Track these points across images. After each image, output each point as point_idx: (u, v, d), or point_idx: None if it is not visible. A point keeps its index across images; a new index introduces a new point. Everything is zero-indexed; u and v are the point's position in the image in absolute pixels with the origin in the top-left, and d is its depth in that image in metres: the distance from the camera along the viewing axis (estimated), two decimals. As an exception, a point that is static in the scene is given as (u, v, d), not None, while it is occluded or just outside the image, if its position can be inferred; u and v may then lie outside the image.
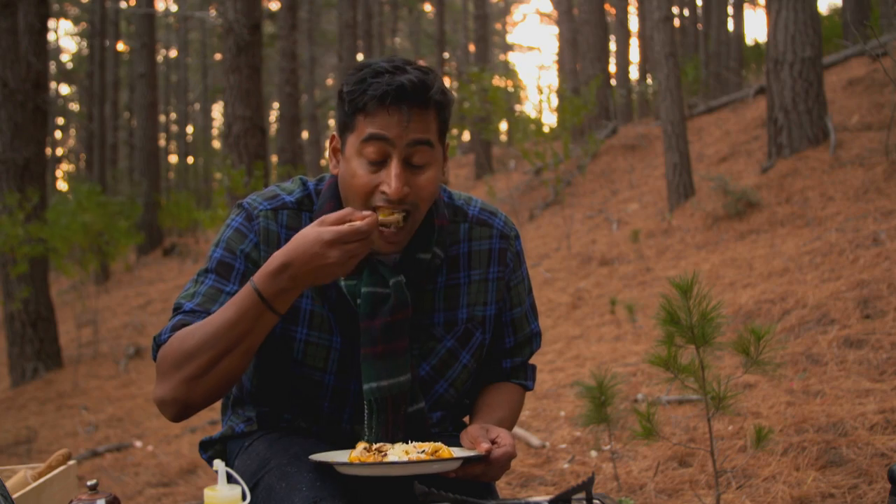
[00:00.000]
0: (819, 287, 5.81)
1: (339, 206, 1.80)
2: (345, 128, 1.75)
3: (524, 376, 2.06)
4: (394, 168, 1.68)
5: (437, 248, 1.85)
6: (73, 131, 43.16)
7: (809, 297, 5.64)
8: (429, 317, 1.87)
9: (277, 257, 1.57)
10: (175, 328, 1.70)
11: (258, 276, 1.58)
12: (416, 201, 1.73)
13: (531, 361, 2.11)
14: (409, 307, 1.79)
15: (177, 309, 1.76)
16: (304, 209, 1.85)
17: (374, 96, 1.66)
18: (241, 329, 1.60)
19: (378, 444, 1.67)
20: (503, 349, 2.01)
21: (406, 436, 1.81)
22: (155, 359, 1.73)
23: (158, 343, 1.72)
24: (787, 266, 6.70)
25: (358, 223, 1.55)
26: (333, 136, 1.82)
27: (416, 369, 1.85)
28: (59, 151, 41.20)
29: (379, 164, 1.70)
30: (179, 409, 1.67)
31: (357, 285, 1.78)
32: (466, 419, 2.05)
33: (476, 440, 1.66)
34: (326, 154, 1.91)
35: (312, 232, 1.55)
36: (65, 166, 42.72)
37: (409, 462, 1.56)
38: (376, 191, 1.70)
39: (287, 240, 1.74)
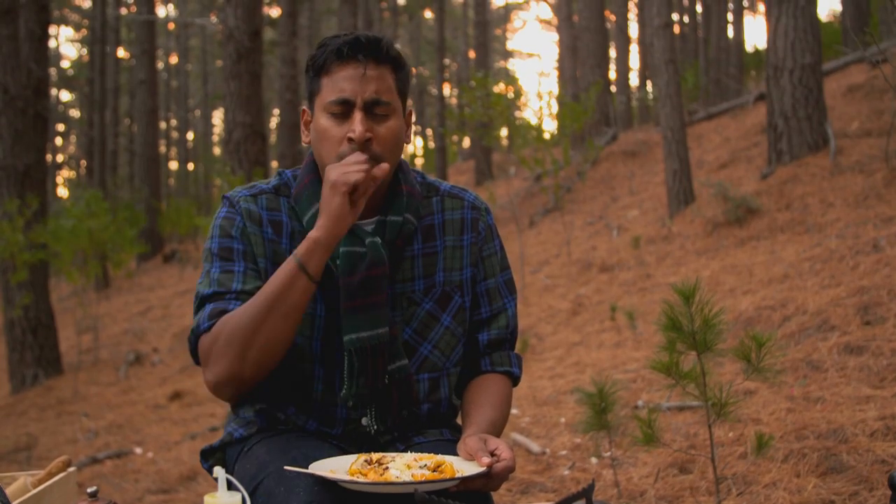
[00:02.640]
0: (819, 293, 5.81)
1: (317, 178, 1.96)
2: (311, 95, 1.92)
3: (508, 362, 2.10)
4: (356, 116, 1.85)
5: (409, 215, 1.97)
6: (73, 138, 43.19)
7: (810, 303, 5.64)
8: (409, 284, 1.99)
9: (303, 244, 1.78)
10: (213, 316, 1.85)
11: (297, 249, 1.78)
12: (381, 150, 1.87)
13: (516, 352, 2.16)
14: (386, 264, 1.90)
15: (200, 300, 1.92)
16: (282, 194, 2.01)
17: (331, 51, 1.86)
18: (283, 298, 1.77)
19: (378, 456, 1.70)
20: (480, 320, 2.08)
21: (394, 391, 1.92)
22: (193, 352, 1.90)
23: (199, 333, 1.87)
24: (788, 272, 6.70)
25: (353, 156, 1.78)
26: (304, 110, 1.99)
27: (399, 332, 1.95)
28: (60, 158, 41.22)
29: (343, 116, 1.87)
30: (236, 386, 1.85)
31: (336, 248, 1.88)
32: (459, 420, 2.09)
33: (476, 454, 1.69)
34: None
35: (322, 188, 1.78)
36: (65, 173, 42.72)
37: (412, 482, 1.58)
38: (343, 141, 1.86)
39: (269, 221, 1.95)
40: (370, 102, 1.85)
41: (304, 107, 1.99)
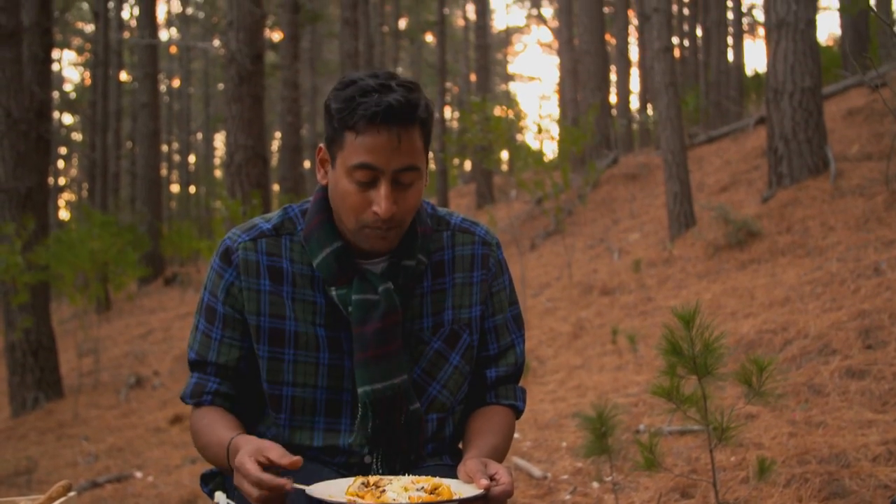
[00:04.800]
0: (820, 317, 5.80)
1: (328, 220, 1.90)
2: (333, 142, 1.82)
3: (513, 396, 2.09)
4: (383, 190, 1.76)
5: (421, 255, 1.93)
6: (75, 160, 43.27)
7: (811, 326, 5.63)
8: (417, 322, 1.95)
9: (237, 446, 1.72)
10: (195, 394, 1.96)
11: (231, 446, 1.75)
12: (403, 217, 1.82)
13: (521, 385, 2.15)
14: (399, 312, 1.87)
15: (189, 363, 2.02)
16: (285, 233, 1.95)
17: (363, 116, 1.73)
18: (220, 461, 1.84)
19: (375, 479, 1.69)
20: (487, 357, 2.06)
21: (404, 436, 1.91)
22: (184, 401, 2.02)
23: (185, 401, 2.00)
24: (789, 296, 6.69)
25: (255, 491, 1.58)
26: (321, 148, 1.91)
27: (409, 373, 1.91)
28: (62, 181, 41.30)
29: (368, 183, 1.76)
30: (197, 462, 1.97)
31: (348, 294, 1.86)
32: (460, 445, 2.08)
33: (475, 476, 1.67)
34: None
35: (243, 453, 1.63)
36: (67, 195, 42.79)
37: None
38: (367, 210, 1.79)
39: (268, 266, 1.90)
40: (398, 171, 1.77)
41: (322, 145, 1.90)
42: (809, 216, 8.49)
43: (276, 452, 1.60)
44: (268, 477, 1.56)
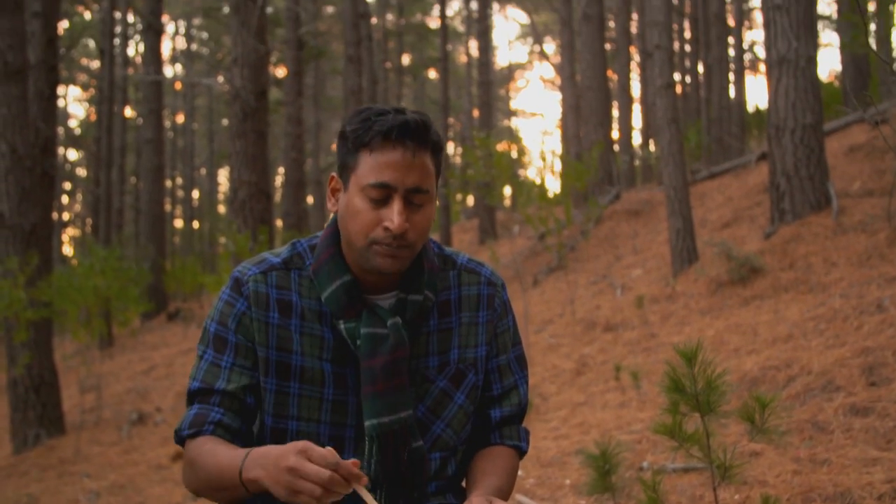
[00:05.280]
0: (824, 354, 5.79)
1: (338, 254, 1.92)
2: (346, 166, 1.85)
3: (517, 437, 2.11)
4: (396, 205, 1.79)
5: (429, 292, 1.95)
6: (79, 196, 43.43)
7: (814, 363, 5.62)
8: (423, 360, 1.96)
9: (258, 453, 1.67)
10: (194, 424, 1.88)
11: (248, 458, 1.69)
12: (415, 239, 1.83)
13: (524, 425, 2.16)
14: (407, 346, 1.88)
15: (189, 394, 1.93)
16: (293, 267, 1.96)
17: (379, 132, 1.78)
18: (222, 489, 1.77)
19: None
20: (491, 397, 2.07)
21: (407, 473, 1.91)
22: (177, 443, 1.94)
23: (181, 436, 1.90)
24: (792, 332, 6.68)
25: (325, 472, 1.54)
26: (333, 177, 1.93)
27: (413, 411, 1.92)
28: (66, 216, 41.40)
29: (381, 201, 1.81)
30: (199, 499, 1.87)
31: (356, 327, 1.88)
32: (464, 484, 2.08)
33: None
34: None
35: (286, 448, 1.61)
36: (71, 231, 42.90)
37: None
38: (377, 227, 1.81)
39: (277, 300, 1.91)
40: (411, 190, 1.81)
41: (334, 174, 1.93)
42: (812, 252, 8.50)
43: (331, 452, 1.58)
44: (344, 462, 1.56)
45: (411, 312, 1.92)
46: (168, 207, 32.81)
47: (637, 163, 25.62)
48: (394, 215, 1.78)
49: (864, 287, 7.07)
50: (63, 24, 25.80)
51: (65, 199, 41.01)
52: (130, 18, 28.38)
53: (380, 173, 1.79)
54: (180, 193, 41.31)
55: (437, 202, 2.01)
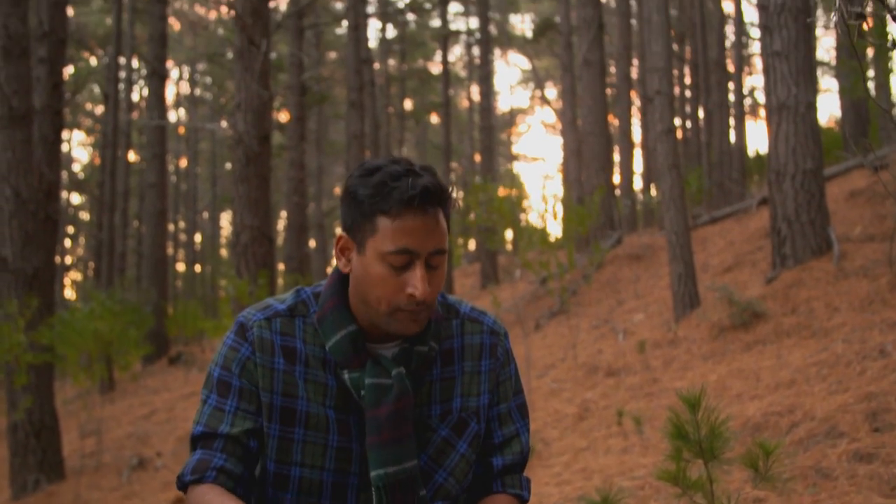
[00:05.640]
0: (827, 399, 5.77)
1: (343, 304, 1.92)
2: (360, 229, 1.83)
3: (518, 485, 2.10)
4: (419, 272, 1.80)
5: (433, 342, 1.95)
6: (82, 240, 43.53)
7: (817, 409, 5.60)
8: (425, 409, 1.96)
9: None
10: (197, 470, 1.86)
11: None
12: (433, 300, 1.85)
13: (525, 473, 2.15)
14: (411, 396, 1.88)
15: (192, 439, 1.92)
16: (298, 314, 1.96)
17: (399, 200, 1.77)
18: None
19: None
20: (493, 445, 2.07)
21: None
22: (179, 489, 1.91)
23: (183, 481, 1.88)
24: (795, 377, 6.67)
25: None
26: (341, 237, 1.92)
27: (417, 459, 1.91)
28: (68, 260, 41.47)
29: (402, 268, 1.80)
30: None
31: (360, 377, 1.88)
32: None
33: None
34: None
35: None
36: (73, 275, 42.93)
37: None
38: (401, 293, 1.81)
39: (282, 346, 1.91)
40: (432, 253, 1.82)
41: (343, 234, 1.91)
42: (814, 297, 8.49)
43: None
44: None
45: (416, 362, 1.92)
46: (170, 251, 32.88)
47: (639, 207, 25.68)
48: (417, 282, 1.79)
49: (867, 332, 7.06)
50: (68, 70, 26.02)
51: (67, 242, 41.08)
52: (135, 64, 28.61)
53: (403, 240, 1.78)
54: (183, 237, 41.40)
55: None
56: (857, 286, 8.34)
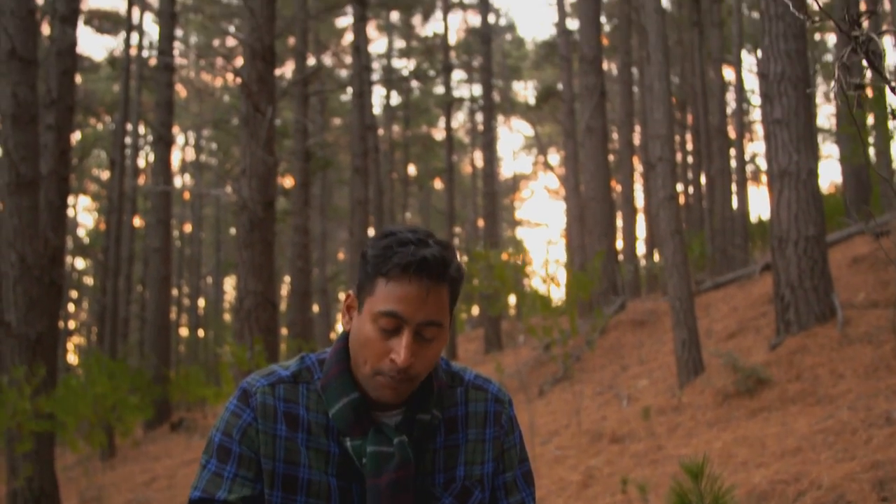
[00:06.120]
0: (833, 467, 5.73)
1: (347, 370, 1.92)
2: (363, 288, 1.87)
3: None
4: (405, 339, 1.79)
5: (436, 410, 1.95)
6: (85, 304, 43.56)
7: (824, 477, 5.56)
8: (429, 477, 1.95)
9: None
10: None
11: None
12: (419, 371, 1.84)
13: None
14: (412, 464, 1.87)
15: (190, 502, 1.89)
16: (302, 381, 1.96)
17: (398, 264, 1.79)
18: None
19: None
20: None
21: None
22: None
23: None
24: (801, 445, 6.62)
25: None
26: (349, 294, 1.95)
27: None
28: (72, 324, 41.46)
29: (392, 331, 1.81)
30: None
31: (362, 445, 1.87)
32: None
33: None
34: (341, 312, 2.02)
35: None
36: (76, 339, 42.89)
37: None
38: (385, 357, 1.81)
39: (285, 412, 1.90)
40: (422, 324, 1.82)
41: (351, 291, 1.96)
42: (819, 364, 8.47)
43: None
44: None
45: (418, 431, 1.92)
46: (173, 316, 32.86)
47: (642, 272, 25.70)
48: (401, 349, 1.79)
49: (872, 399, 7.02)
50: (75, 136, 26.29)
51: (71, 307, 41.11)
52: (141, 130, 28.92)
53: (393, 304, 1.80)
54: (186, 302, 41.42)
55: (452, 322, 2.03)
56: (861, 353, 8.31)
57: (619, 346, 15.14)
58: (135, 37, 25.41)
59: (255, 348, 10.06)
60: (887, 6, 20.54)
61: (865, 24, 2.09)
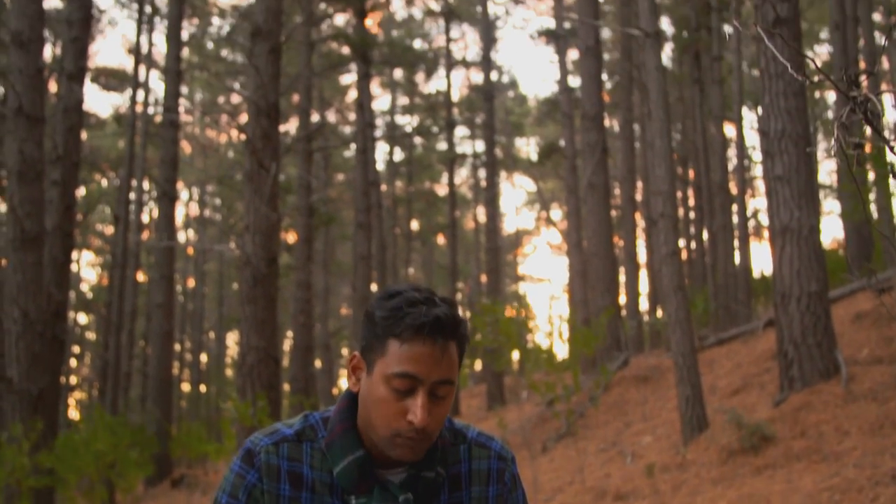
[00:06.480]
0: (839, 526, 5.68)
1: (352, 428, 1.92)
2: (372, 349, 1.86)
3: None
4: (420, 399, 1.80)
5: (440, 467, 1.96)
6: (87, 359, 43.46)
7: (830, 536, 5.51)
8: None
9: None
10: None
11: None
12: (434, 429, 1.85)
13: None
14: None
15: None
16: (306, 439, 1.96)
17: (411, 325, 1.80)
18: None
19: None
20: None
21: None
22: None
23: None
24: (806, 503, 6.57)
25: None
26: (355, 355, 1.95)
27: None
28: (73, 380, 41.32)
29: (406, 392, 1.82)
30: None
31: (368, 503, 1.88)
32: None
33: None
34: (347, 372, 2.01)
35: None
36: (77, 394, 42.71)
37: None
38: (401, 418, 1.82)
39: (289, 471, 1.90)
40: (436, 383, 1.83)
41: (357, 353, 1.96)
42: (823, 421, 8.42)
43: None
44: None
45: (423, 488, 1.93)
46: (176, 371, 32.78)
47: (645, 328, 25.66)
48: (418, 409, 1.80)
49: (878, 457, 6.98)
50: (80, 192, 26.43)
51: (73, 362, 41.02)
52: (146, 185, 29.08)
53: (408, 365, 1.81)
54: (188, 357, 41.33)
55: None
56: (866, 410, 8.27)
57: (623, 403, 15.07)
58: (141, 94, 25.75)
59: (258, 404, 10.03)
60: (886, 65, 20.76)
61: (864, 83, 2.12)
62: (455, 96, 32.21)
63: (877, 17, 23.39)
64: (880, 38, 19.90)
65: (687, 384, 10.46)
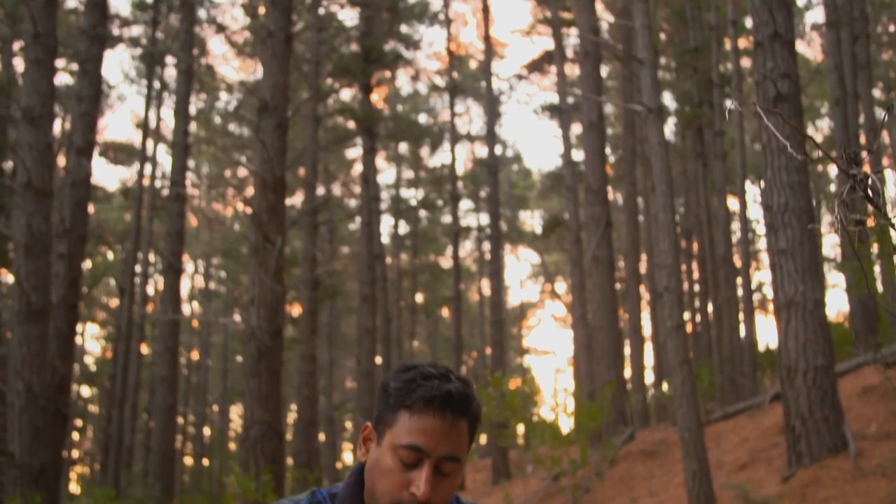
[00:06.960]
0: None
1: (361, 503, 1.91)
2: (383, 420, 1.88)
3: None
4: (425, 472, 1.80)
5: None
6: (90, 432, 43.15)
7: None
8: None
9: None
10: None
11: None
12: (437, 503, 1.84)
13: None
14: None
15: None
16: None
17: (422, 397, 1.82)
18: None
19: None
20: None
21: None
22: None
23: None
24: (816, 582, 6.47)
25: None
26: (367, 426, 1.95)
27: None
28: (75, 453, 40.99)
29: (412, 464, 1.82)
30: None
31: None
32: None
33: None
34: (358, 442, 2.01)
35: None
36: (79, 468, 42.31)
37: None
38: (404, 490, 1.81)
39: None
40: (443, 458, 1.83)
41: (369, 424, 1.96)
42: (832, 497, 8.33)
43: None
44: None
45: None
46: (178, 444, 32.54)
47: (650, 402, 25.48)
48: (421, 482, 1.80)
49: (888, 534, 6.89)
50: (86, 265, 26.52)
51: (75, 435, 40.73)
52: (151, 258, 29.19)
53: (415, 437, 1.82)
54: (191, 430, 41.04)
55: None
56: (875, 486, 8.19)
57: (629, 477, 14.91)
58: (148, 167, 25.98)
59: (262, 478, 9.94)
60: (887, 139, 20.94)
61: (866, 160, 2.15)
62: (460, 170, 32.54)
63: (877, 92, 23.67)
64: (880, 113, 20.11)
65: (694, 459, 10.35)
